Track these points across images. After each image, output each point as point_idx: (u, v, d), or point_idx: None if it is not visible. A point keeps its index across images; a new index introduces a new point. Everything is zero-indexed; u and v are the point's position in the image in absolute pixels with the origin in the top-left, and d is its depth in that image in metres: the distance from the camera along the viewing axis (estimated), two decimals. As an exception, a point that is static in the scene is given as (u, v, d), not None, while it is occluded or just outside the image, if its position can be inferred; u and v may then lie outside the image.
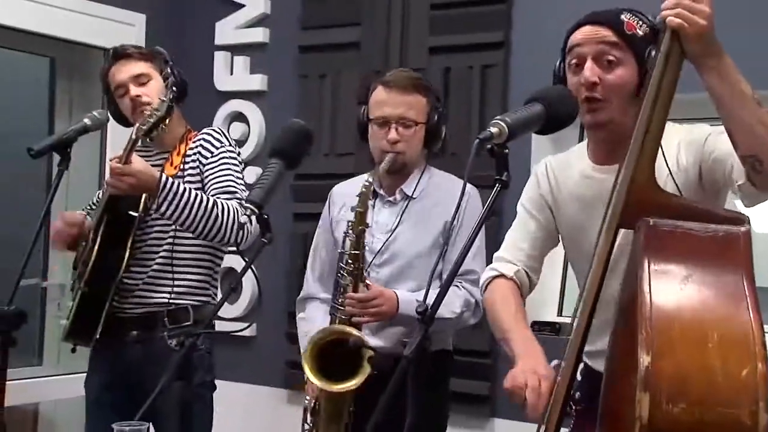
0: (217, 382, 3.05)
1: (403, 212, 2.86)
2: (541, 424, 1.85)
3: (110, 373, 3.00)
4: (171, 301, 2.95)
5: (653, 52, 1.92)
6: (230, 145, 3.02)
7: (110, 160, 2.79)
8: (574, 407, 2.05)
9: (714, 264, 1.55)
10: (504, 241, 2.40)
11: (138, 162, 2.75)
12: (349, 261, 2.72)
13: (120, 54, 3.00)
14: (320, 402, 2.68)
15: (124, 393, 2.90)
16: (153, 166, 2.92)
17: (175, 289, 2.96)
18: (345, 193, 2.97)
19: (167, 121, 2.77)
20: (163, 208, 2.77)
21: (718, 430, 1.38)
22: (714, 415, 1.38)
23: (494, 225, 3.61)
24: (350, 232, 2.72)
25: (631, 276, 1.62)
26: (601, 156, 2.17)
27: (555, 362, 1.93)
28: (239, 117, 4.39)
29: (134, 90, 2.96)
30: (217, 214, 2.81)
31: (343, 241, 2.76)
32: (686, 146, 2.04)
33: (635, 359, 1.43)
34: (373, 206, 2.90)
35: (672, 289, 1.51)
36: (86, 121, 2.89)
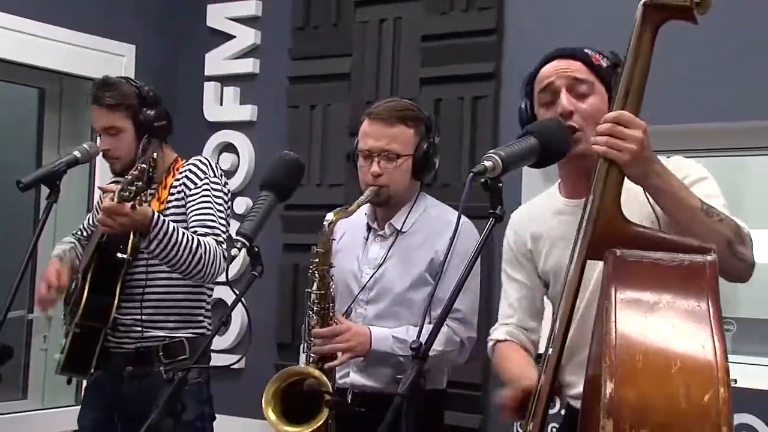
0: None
1: (391, 247, 2.86)
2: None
3: (106, 409, 3.04)
4: (165, 335, 2.99)
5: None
6: (214, 176, 3.05)
7: (101, 196, 2.82)
8: None
9: (679, 293, 1.59)
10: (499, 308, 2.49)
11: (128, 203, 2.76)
12: (316, 301, 2.73)
13: (94, 98, 3.04)
14: None
15: (121, 428, 2.96)
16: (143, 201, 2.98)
17: (169, 325, 3.01)
18: (341, 226, 2.94)
19: (148, 190, 2.79)
20: (152, 246, 2.80)
21: None
22: None
23: (485, 256, 3.68)
24: (315, 272, 2.73)
25: (600, 306, 1.67)
26: (572, 189, 2.23)
27: None
28: (229, 147, 4.44)
29: (104, 143, 3.02)
30: (201, 255, 2.85)
31: (311, 282, 2.76)
32: None
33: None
34: (367, 239, 2.92)
35: (637, 317, 1.55)
36: (76, 153, 2.95)
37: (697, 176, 2.10)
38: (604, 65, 2.16)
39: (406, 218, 2.88)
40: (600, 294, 1.70)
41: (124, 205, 2.70)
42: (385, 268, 2.85)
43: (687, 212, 1.88)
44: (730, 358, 3.93)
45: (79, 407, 3.22)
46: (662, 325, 1.55)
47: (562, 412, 2.41)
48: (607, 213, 1.80)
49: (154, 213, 2.80)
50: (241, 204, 4.27)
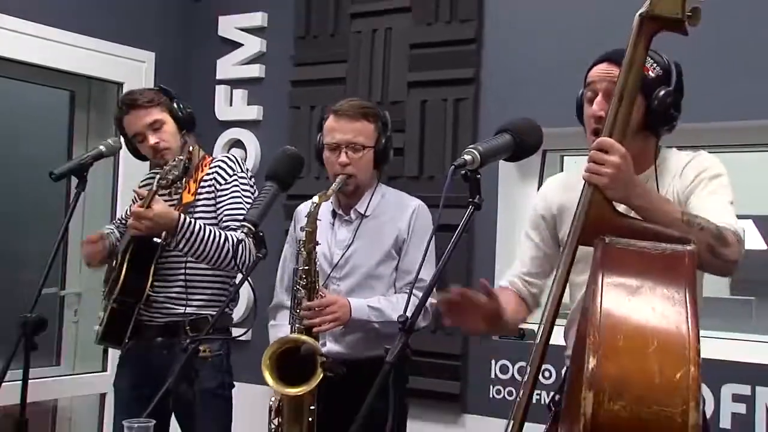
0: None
1: (357, 229, 2.85)
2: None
3: (138, 375, 3.01)
4: (192, 312, 2.96)
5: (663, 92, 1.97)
6: (242, 171, 3.02)
7: (132, 203, 2.80)
8: (554, 408, 2.08)
9: (660, 278, 1.56)
10: None
11: (158, 206, 2.74)
12: (303, 276, 2.70)
13: (130, 104, 2.97)
14: (283, 402, 2.67)
15: (151, 391, 2.89)
16: (174, 192, 2.94)
17: (195, 303, 2.97)
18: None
19: (183, 179, 2.78)
20: (181, 245, 2.79)
21: (654, 426, 1.39)
22: (650, 412, 1.39)
23: (465, 241, 3.65)
24: (302, 249, 2.70)
25: (589, 289, 1.64)
26: None
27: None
28: (237, 143, 4.39)
29: (152, 139, 2.95)
30: (228, 249, 2.83)
31: (297, 258, 2.75)
32: (683, 174, 2.08)
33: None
34: (333, 224, 2.90)
35: (621, 300, 1.52)
36: (101, 147, 2.91)
37: (712, 173, 2.06)
38: (652, 75, 2.03)
39: (369, 204, 2.87)
40: (589, 277, 1.65)
41: (148, 210, 2.70)
42: (354, 248, 2.84)
43: (669, 224, 1.82)
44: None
45: (114, 372, 3.21)
46: (643, 308, 1.51)
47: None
48: (599, 204, 1.76)
49: (180, 216, 2.77)
50: (248, 195, 4.21)
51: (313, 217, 2.69)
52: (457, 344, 3.66)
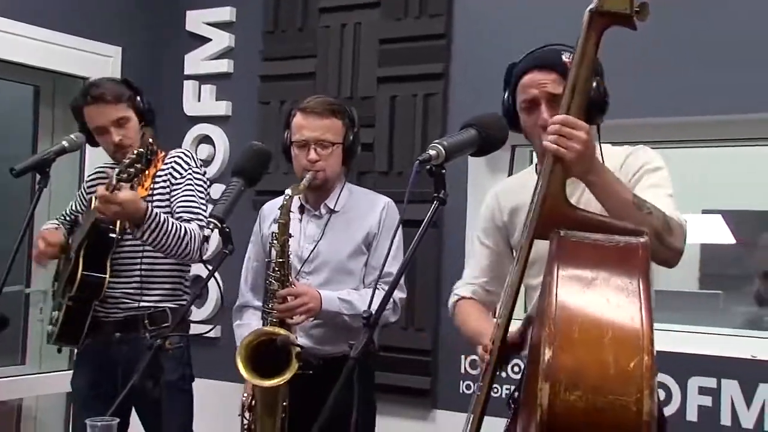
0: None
1: (327, 224, 2.88)
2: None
3: (97, 371, 3.00)
4: (150, 305, 2.96)
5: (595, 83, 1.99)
6: (196, 166, 3.03)
7: (85, 185, 2.79)
8: (513, 406, 2.10)
9: (614, 270, 1.59)
10: (464, 269, 2.50)
11: (125, 192, 2.71)
12: (276, 268, 2.71)
13: (97, 97, 2.92)
14: (256, 397, 2.68)
15: (111, 388, 2.89)
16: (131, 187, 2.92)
17: (153, 296, 2.97)
18: (274, 210, 2.94)
19: (146, 172, 2.76)
20: (145, 236, 2.77)
21: (610, 415, 1.42)
22: (605, 401, 1.42)
23: (435, 236, 3.68)
24: (275, 242, 2.71)
25: (544, 281, 1.67)
26: None
27: None
28: (206, 139, 4.39)
29: (116, 135, 2.93)
30: (187, 240, 2.84)
31: (269, 251, 2.76)
32: (624, 168, 2.12)
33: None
34: (301, 220, 2.91)
35: (576, 292, 1.55)
36: (64, 143, 2.89)
37: (653, 165, 2.10)
38: None
39: (338, 199, 2.90)
40: (545, 270, 1.68)
41: (116, 194, 2.65)
42: (323, 243, 2.86)
43: (620, 204, 1.87)
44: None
45: (72, 371, 3.18)
46: (598, 299, 1.54)
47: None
48: (554, 197, 1.78)
49: (148, 207, 2.76)
50: (218, 190, 4.18)
51: (286, 209, 2.70)
52: (427, 340, 3.70)
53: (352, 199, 2.94)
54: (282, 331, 2.62)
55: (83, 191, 3.19)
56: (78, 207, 3.20)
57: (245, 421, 2.73)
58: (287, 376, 2.53)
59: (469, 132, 1.91)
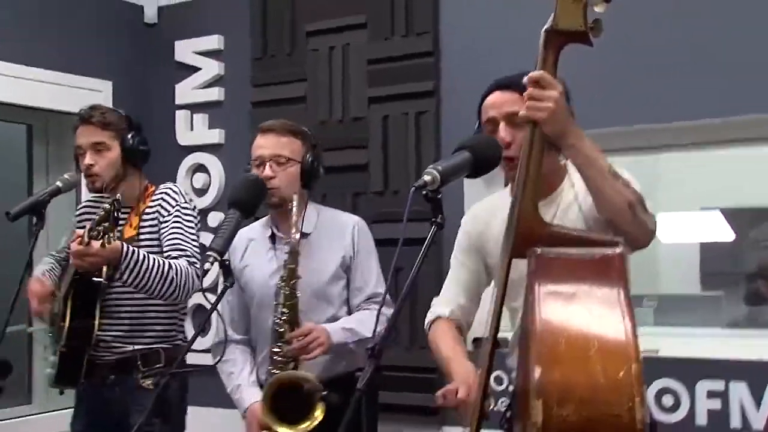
0: (189, 406, 3.09)
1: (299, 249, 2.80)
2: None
3: (93, 413, 3.02)
4: (143, 348, 2.96)
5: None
6: (184, 201, 3.00)
7: (71, 241, 2.75)
8: (506, 426, 2.16)
9: (593, 283, 1.62)
10: (442, 287, 2.49)
11: (96, 243, 2.67)
12: (284, 311, 2.72)
13: (86, 117, 2.96)
14: None
15: (108, 430, 2.93)
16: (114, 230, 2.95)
17: (145, 339, 2.97)
18: (244, 238, 2.97)
19: (114, 229, 2.71)
20: (125, 276, 2.75)
21: (603, 426, 1.45)
22: (598, 413, 1.45)
23: (434, 254, 3.69)
24: (284, 285, 2.72)
25: (526, 301, 1.70)
26: None
27: None
28: (200, 168, 4.43)
29: (88, 158, 2.94)
30: (172, 277, 2.81)
31: (277, 294, 2.76)
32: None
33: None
34: (274, 249, 2.91)
35: (557, 307, 1.58)
36: (59, 183, 2.92)
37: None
38: None
39: (304, 221, 2.88)
40: (525, 289, 1.71)
41: (92, 245, 2.65)
42: (300, 269, 2.80)
43: (597, 172, 1.91)
44: (654, 330, 4.01)
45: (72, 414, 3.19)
46: (580, 312, 1.57)
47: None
48: (527, 217, 1.81)
49: (123, 246, 2.74)
50: (214, 218, 4.26)
51: (295, 254, 2.72)
52: (431, 358, 3.71)
53: (322, 219, 2.95)
54: (305, 375, 2.64)
55: (74, 225, 3.20)
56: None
57: None
58: (316, 419, 2.57)
59: (463, 155, 1.93)
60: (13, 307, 2.70)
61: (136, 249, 2.78)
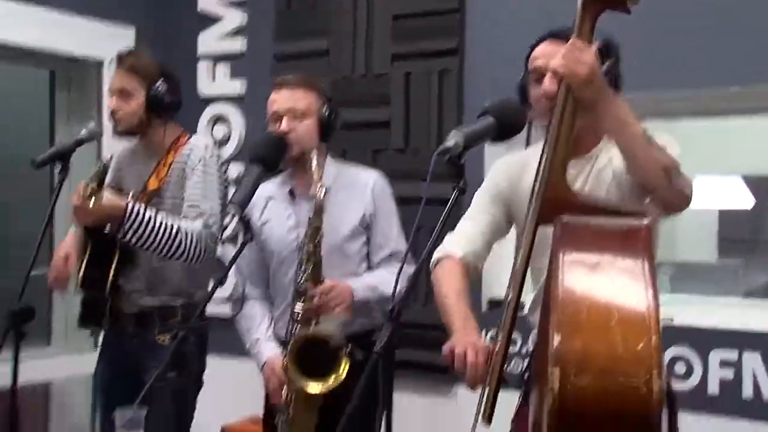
0: (208, 356, 3.11)
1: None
2: (479, 385, 1.92)
3: (114, 362, 3.06)
4: (160, 304, 2.97)
5: (604, 66, 1.97)
6: (211, 156, 2.95)
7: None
8: (523, 388, 2.15)
9: (619, 253, 1.63)
10: (458, 226, 2.39)
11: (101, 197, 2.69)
12: (307, 268, 2.72)
13: (118, 61, 2.97)
14: (295, 395, 2.72)
15: (127, 380, 2.94)
16: (142, 169, 2.96)
17: (162, 294, 2.97)
18: (263, 196, 2.94)
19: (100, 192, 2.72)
20: (128, 236, 2.74)
21: (620, 397, 1.46)
22: (615, 383, 1.46)
23: (453, 215, 3.72)
24: (308, 243, 2.71)
25: (550, 267, 1.70)
26: None
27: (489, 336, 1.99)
28: (221, 119, 4.44)
29: (113, 103, 2.94)
30: (181, 240, 2.79)
31: (300, 250, 2.76)
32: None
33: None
34: (294, 205, 2.91)
35: (581, 276, 1.58)
36: (83, 133, 2.91)
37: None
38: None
39: (325, 175, 2.82)
40: (549, 256, 1.72)
41: (86, 202, 2.67)
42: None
43: (630, 137, 1.90)
44: (669, 297, 4.00)
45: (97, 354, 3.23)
46: (603, 283, 1.58)
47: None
48: (555, 183, 1.81)
49: (128, 205, 2.73)
50: (235, 169, 4.29)
51: (319, 211, 2.71)
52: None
53: (341, 175, 2.93)
54: (329, 331, 2.65)
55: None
56: None
57: (283, 417, 2.77)
58: (341, 375, 2.60)
59: (487, 120, 1.93)
60: (36, 255, 2.71)
61: (142, 209, 2.76)
